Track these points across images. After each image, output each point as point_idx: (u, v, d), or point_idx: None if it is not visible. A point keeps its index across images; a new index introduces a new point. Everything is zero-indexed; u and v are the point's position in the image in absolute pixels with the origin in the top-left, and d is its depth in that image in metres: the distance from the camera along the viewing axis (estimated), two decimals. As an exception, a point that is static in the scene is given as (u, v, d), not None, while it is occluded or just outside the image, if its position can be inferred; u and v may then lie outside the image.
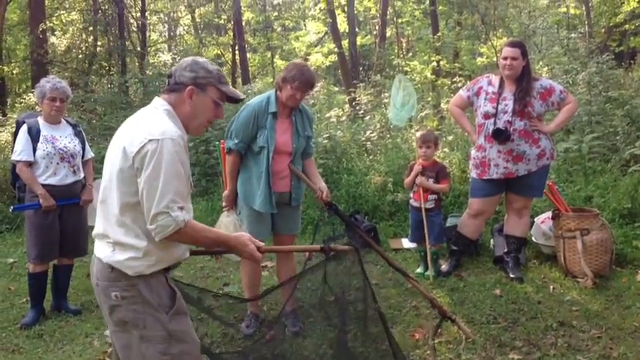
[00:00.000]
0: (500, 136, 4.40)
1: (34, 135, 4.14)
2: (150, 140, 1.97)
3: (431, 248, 4.77)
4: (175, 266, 2.27)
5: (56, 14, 14.70)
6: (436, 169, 4.86)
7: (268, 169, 3.66)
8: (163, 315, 2.12)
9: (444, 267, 4.93)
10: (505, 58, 4.40)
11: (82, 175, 4.35)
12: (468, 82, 10.01)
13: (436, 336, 3.59)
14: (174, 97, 2.16)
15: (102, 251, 2.11)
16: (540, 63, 11.35)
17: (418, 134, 5.02)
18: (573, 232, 4.51)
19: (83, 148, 4.40)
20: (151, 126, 2.03)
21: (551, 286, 4.40)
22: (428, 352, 3.47)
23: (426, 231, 4.75)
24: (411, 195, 5.00)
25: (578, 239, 4.45)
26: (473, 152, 4.71)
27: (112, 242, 2.07)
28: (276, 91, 3.73)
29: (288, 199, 3.83)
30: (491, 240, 5.30)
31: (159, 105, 2.17)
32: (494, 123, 4.44)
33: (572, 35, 14.42)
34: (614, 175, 5.93)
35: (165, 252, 2.12)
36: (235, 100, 2.32)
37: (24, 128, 4.15)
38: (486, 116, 4.50)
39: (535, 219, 5.21)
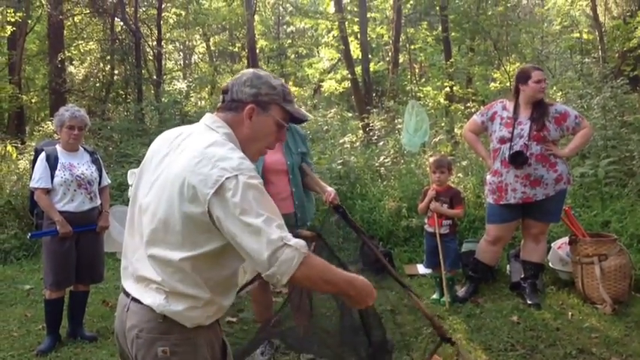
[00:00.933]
0: (518, 159, 4.38)
1: (52, 162, 4.19)
2: (227, 178, 1.63)
3: (446, 274, 4.74)
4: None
5: (74, 44, 15.03)
6: (450, 194, 4.84)
7: None
8: None
9: (461, 293, 4.88)
10: (539, 82, 4.41)
11: (98, 201, 4.40)
12: (482, 107, 10.01)
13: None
14: (232, 116, 1.85)
15: (150, 298, 1.76)
16: (554, 88, 11.33)
17: (432, 159, 5.02)
18: (591, 257, 4.46)
19: (100, 175, 4.45)
20: (222, 158, 1.68)
21: (570, 313, 4.34)
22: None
23: (441, 257, 4.72)
24: (426, 220, 4.99)
25: (596, 265, 4.40)
26: (488, 177, 4.69)
27: (165, 290, 1.74)
28: None
29: (294, 221, 3.78)
30: (508, 266, 5.25)
31: (216, 126, 1.84)
32: (511, 147, 4.43)
33: (586, 60, 14.41)
34: (632, 199, 5.88)
35: (225, 298, 1.86)
36: (300, 121, 2.02)
37: (42, 156, 4.21)
38: (502, 141, 4.50)
39: (552, 244, 5.16)
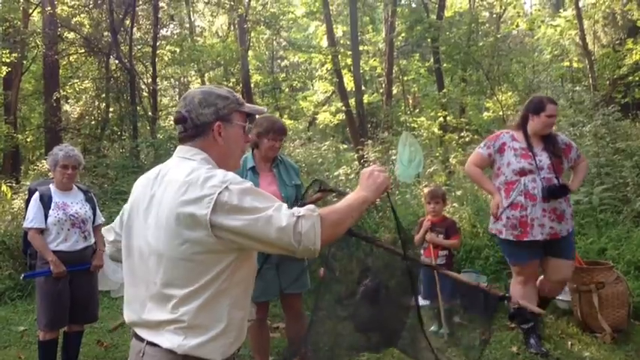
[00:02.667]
0: (560, 192, 4.12)
1: (46, 202, 4.18)
2: (219, 193, 1.67)
3: (444, 305, 4.70)
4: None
5: (70, 83, 15.14)
6: (446, 224, 4.84)
7: None
8: None
9: (534, 349, 4.24)
10: (550, 116, 4.20)
11: (92, 240, 4.37)
12: (478, 137, 10.08)
13: None
14: (201, 141, 1.87)
15: (168, 341, 1.73)
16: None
17: (426, 190, 5.03)
18: (588, 285, 4.44)
19: (94, 214, 4.43)
20: (207, 178, 1.72)
21: (569, 342, 4.31)
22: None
23: (438, 288, 4.69)
24: (422, 252, 4.97)
25: (594, 293, 4.38)
26: (507, 212, 4.21)
27: (183, 327, 1.72)
28: (252, 150, 3.81)
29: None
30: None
31: (190, 155, 1.86)
32: (541, 180, 4.13)
33: (577, 88, 14.56)
34: (627, 226, 5.88)
35: (242, 324, 1.86)
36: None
37: (36, 196, 4.20)
38: (522, 173, 4.16)
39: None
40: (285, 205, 1.73)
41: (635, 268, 5.24)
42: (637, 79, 12.58)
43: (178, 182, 1.74)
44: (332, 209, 1.81)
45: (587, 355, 4.05)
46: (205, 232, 1.67)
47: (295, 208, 1.72)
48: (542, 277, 4.44)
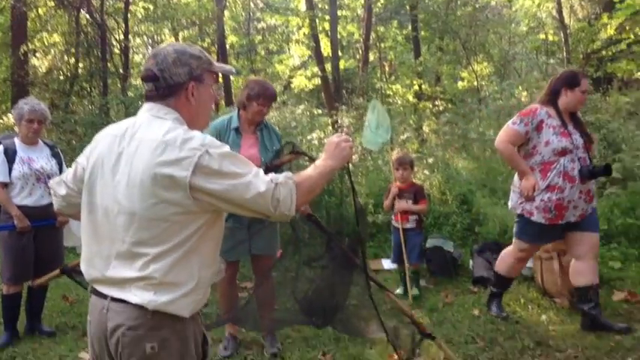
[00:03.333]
0: (605, 172, 3.98)
1: (10, 156, 4.10)
2: (200, 156, 1.67)
3: (409, 268, 4.78)
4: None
5: (38, 36, 14.67)
6: (413, 190, 4.90)
7: None
8: None
9: (495, 311, 4.30)
10: (584, 92, 3.98)
11: (58, 195, 4.31)
12: (449, 105, 10.10)
13: (414, 356, 3.58)
14: (174, 101, 1.84)
15: (138, 296, 1.72)
16: (520, 87, 11.52)
17: (394, 157, 5.06)
18: (550, 253, 4.55)
19: (60, 170, 4.36)
20: (185, 139, 1.71)
21: (529, 307, 4.43)
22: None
23: (404, 251, 4.76)
24: (392, 217, 5.02)
25: (555, 260, 4.49)
26: (542, 195, 3.91)
27: (154, 284, 1.71)
28: (239, 110, 3.77)
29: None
30: (471, 261, 5.33)
31: (163, 114, 1.82)
32: (583, 160, 3.93)
33: (551, 61, 14.69)
34: (592, 196, 6.00)
35: (209, 281, 1.86)
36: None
37: (0, 149, 4.11)
38: (562, 153, 3.90)
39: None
40: (262, 171, 1.77)
41: (596, 237, 5.37)
42: (610, 53, 12.69)
43: (154, 142, 1.71)
44: (306, 176, 1.86)
45: (545, 318, 4.17)
46: (183, 193, 1.67)
47: (272, 175, 1.76)
48: (573, 263, 4.10)
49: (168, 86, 1.83)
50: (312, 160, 3.51)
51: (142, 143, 1.74)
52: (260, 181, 1.72)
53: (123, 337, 1.73)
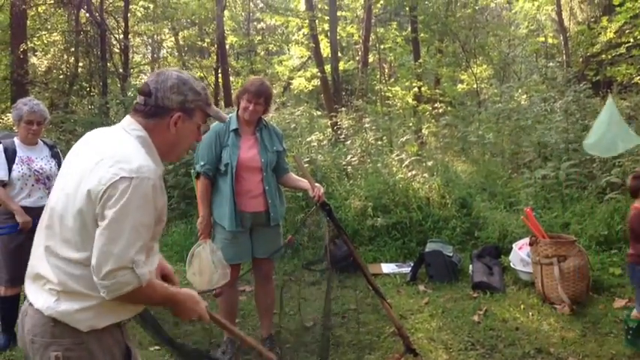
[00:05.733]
0: None
1: (10, 155, 4.07)
2: (122, 178, 1.63)
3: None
4: (129, 320, 1.91)
5: (38, 35, 14.64)
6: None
7: (232, 185, 3.63)
8: None
9: None
10: None
11: (57, 197, 4.28)
12: (449, 108, 10.05)
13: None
14: (154, 122, 1.81)
15: (40, 300, 1.72)
16: (519, 91, 11.53)
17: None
18: (550, 258, 4.53)
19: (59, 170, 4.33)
20: (123, 158, 1.67)
21: (530, 313, 4.41)
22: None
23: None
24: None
25: (555, 266, 4.47)
26: None
27: (57, 290, 1.69)
28: (237, 111, 3.75)
29: (266, 219, 3.75)
30: (470, 266, 5.31)
31: (131, 129, 1.80)
32: None
33: (551, 64, 14.71)
34: (591, 202, 6.00)
35: (121, 304, 1.76)
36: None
37: (0, 148, 4.09)
38: None
39: (513, 245, 5.25)
40: (142, 245, 1.67)
41: (596, 243, 5.38)
42: (609, 57, 12.72)
43: (99, 152, 1.72)
44: (161, 286, 1.81)
45: (545, 325, 4.16)
46: (93, 207, 1.65)
47: (142, 258, 1.67)
48: None
49: (156, 106, 1.81)
50: (339, 228, 3.51)
51: (92, 149, 1.77)
52: (134, 251, 1.63)
53: (32, 344, 1.74)
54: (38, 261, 1.77)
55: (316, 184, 3.66)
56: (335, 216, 3.63)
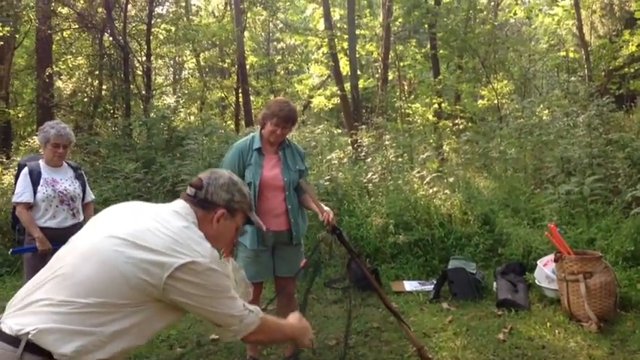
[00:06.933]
0: None
1: (35, 178, 4.15)
2: (194, 262, 1.69)
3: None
4: None
5: (63, 59, 14.98)
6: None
7: (255, 204, 3.64)
8: None
9: None
10: None
11: (81, 217, 4.35)
12: (470, 124, 10.02)
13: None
14: (202, 213, 1.90)
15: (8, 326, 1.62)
16: (541, 106, 11.44)
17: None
18: (576, 275, 4.46)
19: (84, 191, 4.40)
20: (195, 241, 1.75)
21: (556, 330, 4.33)
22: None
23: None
24: None
25: (582, 282, 4.40)
26: None
27: (63, 331, 1.61)
28: (260, 129, 3.78)
29: (288, 238, 3.77)
30: (495, 283, 5.25)
31: (185, 214, 1.86)
32: None
33: (572, 78, 14.60)
34: (617, 217, 5.90)
35: (116, 344, 1.69)
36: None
37: (25, 171, 4.17)
38: None
39: (538, 261, 5.17)
40: (236, 296, 1.91)
41: (623, 258, 5.27)
42: (632, 70, 12.58)
43: (172, 227, 1.77)
44: (272, 325, 2.04)
45: (572, 343, 4.08)
46: (154, 281, 1.68)
47: (245, 303, 1.93)
48: None
49: (205, 200, 1.92)
50: (351, 252, 3.52)
51: (153, 216, 1.81)
52: (238, 305, 1.87)
53: None
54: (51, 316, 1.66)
55: (326, 209, 3.68)
56: (346, 240, 3.63)
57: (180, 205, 1.90)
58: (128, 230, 1.72)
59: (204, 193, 1.92)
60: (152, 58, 15.26)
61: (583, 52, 14.44)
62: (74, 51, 15.36)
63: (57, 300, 1.65)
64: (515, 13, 16.01)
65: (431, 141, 11.29)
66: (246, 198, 2.00)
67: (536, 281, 5.08)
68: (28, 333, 1.59)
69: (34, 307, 1.66)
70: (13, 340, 1.60)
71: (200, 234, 1.82)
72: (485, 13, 16.19)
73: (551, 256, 4.88)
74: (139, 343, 1.77)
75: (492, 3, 18.42)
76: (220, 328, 1.86)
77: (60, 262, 1.76)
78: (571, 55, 16.19)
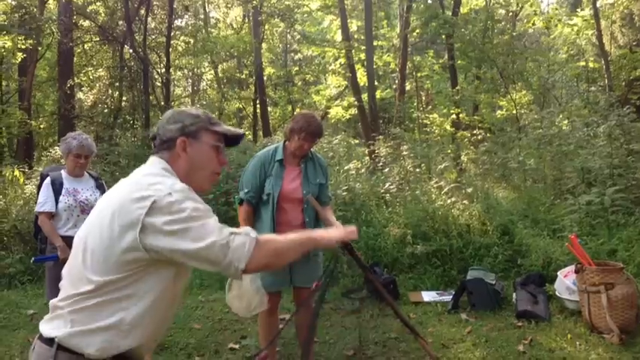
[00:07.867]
0: None
1: (57, 187, 4.21)
2: (163, 195, 1.66)
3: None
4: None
5: (84, 71, 15.24)
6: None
7: (273, 215, 3.67)
8: None
9: None
10: None
11: (102, 226, 4.38)
12: (488, 134, 9.99)
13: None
14: (168, 155, 1.87)
15: (49, 327, 1.74)
16: (561, 116, 11.35)
17: None
18: (597, 286, 4.40)
19: (104, 200, 4.45)
20: (154, 182, 1.72)
21: (577, 342, 4.27)
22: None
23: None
24: None
25: (603, 294, 4.34)
26: None
27: (84, 333, 1.68)
28: (285, 141, 3.79)
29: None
30: (514, 294, 5.20)
31: (153, 164, 1.87)
32: None
33: (592, 88, 14.46)
34: (639, 228, 5.82)
35: (136, 327, 1.72)
36: (236, 140, 2.02)
37: (47, 181, 4.23)
38: None
39: (558, 272, 5.12)
40: (222, 225, 1.73)
41: (645, 270, 5.19)
42: (653, 80, 12.45)
43: (130, 183, 1.79)
44: (271, 238, 1.85)
45: (594, 356, 4.02)
46: (134, 233, 1.66)
47: (232, 228, 1.74)
48: None
49: (161, 142, 1.89)
50: (363, 268, 3.52)
51: (121, 184, 1.83)
52: (217, 226, 1.69)
53: None
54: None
55: (336, 223, 3.65)
56: (358, 255, 3.62)
57: (149, 161, 1.90)
58: (110, 209, 1.72)
59: (159, 137, 1.90)
60: (171, 69, 15.46)
61: (603, 62, 14.34)
62: (95, 63, 15.62)
63: (69, 300, 1.72)
64: (533, 24, 15.94)
65: (449, 151, 11.24)
66: (200, 116, 1.91)
67: (556, 292, 5.02)
68: (55, 337, 1.70)
69: (57, 312, 1.76)
70: (49, 341, 1.72)
71: (162, 173, 1.80)
72: (503, 23, 16.16)
73: (572, 267, 4.83)
74: (164, 315, 1.80)
75: (510, 14, 18.37)
76: (221, 269, 1.69)
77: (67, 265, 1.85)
78: (591, 65, 16.06)
